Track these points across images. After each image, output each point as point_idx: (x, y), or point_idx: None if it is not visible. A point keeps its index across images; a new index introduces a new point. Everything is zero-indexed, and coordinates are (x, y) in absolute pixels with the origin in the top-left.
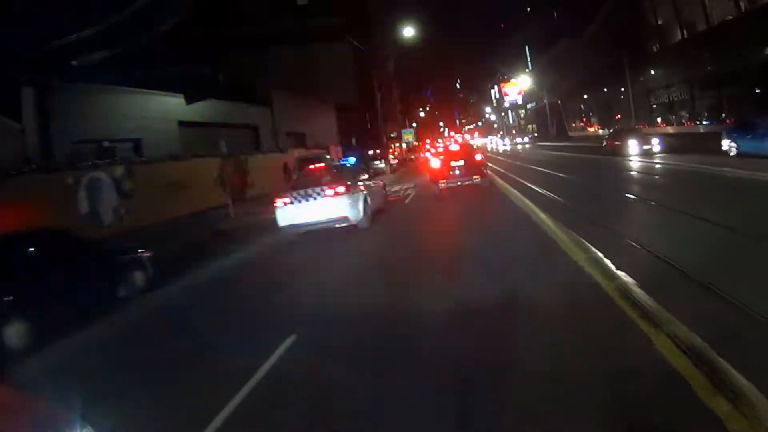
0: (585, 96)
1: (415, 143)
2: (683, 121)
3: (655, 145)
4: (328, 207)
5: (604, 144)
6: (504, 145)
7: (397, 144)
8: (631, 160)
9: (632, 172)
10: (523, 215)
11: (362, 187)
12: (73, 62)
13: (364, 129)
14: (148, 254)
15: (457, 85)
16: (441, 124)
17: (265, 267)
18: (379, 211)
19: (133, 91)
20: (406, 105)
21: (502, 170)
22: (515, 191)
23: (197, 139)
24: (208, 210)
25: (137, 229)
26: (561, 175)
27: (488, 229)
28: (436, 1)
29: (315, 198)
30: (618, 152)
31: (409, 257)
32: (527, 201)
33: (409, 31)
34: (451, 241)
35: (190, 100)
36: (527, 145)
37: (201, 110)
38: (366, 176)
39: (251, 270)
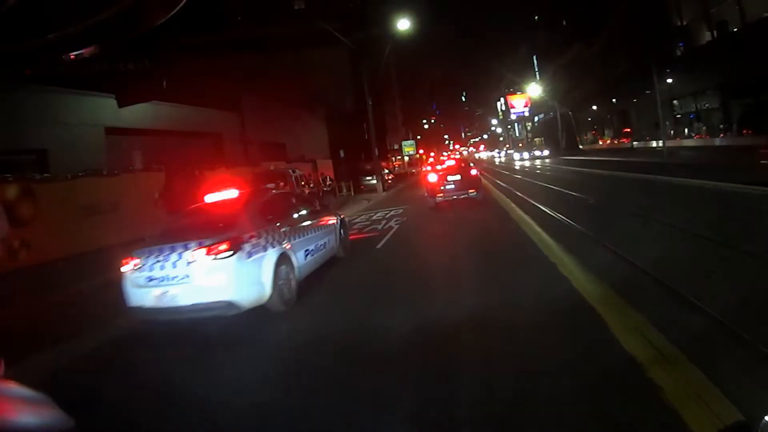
0: (594, 107)
1: (417, 156)
2: (692, 134)
3: None
4: (198, 281)
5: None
6: (521, 159)
7: (398, 157)
8: None
9: None
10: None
11: (281, 238)
12: (69, 56)
13: (361, 141)
14: None
15: (463, 98)
16: (446, 136)
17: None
18: (330, 262)
19: (42, 89)
20: (410, 117)
21: (550, 211)
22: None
23: (134, 150)
24: (143, 239)
25: (35, 266)
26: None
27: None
28: (443, 13)
29: (174, 264)
30: None
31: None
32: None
33: (404, 24)
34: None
35: (123, 102)
36: (547, 160)
37: (143, 115)
38: (304, 211)
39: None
